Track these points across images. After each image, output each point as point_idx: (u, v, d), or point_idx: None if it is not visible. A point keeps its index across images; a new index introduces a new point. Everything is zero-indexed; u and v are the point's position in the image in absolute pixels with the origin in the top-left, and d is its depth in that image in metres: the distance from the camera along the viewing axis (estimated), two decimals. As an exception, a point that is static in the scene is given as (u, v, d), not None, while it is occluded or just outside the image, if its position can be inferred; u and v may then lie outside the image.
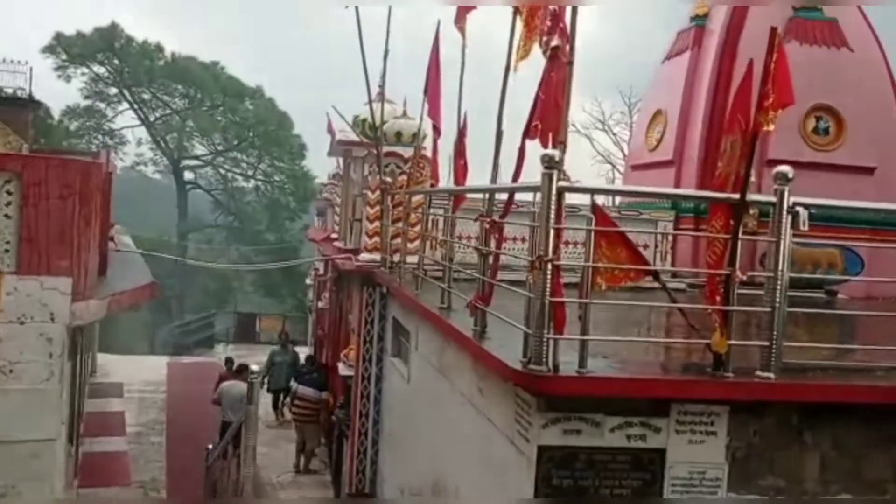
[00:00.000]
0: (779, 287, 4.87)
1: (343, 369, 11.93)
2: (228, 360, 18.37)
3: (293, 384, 14.94)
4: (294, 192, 48.09)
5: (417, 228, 9.93)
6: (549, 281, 4.75)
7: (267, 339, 32.64)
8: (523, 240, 10.48)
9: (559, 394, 4.83)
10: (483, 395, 6.11)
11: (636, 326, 7.73)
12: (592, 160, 35.35)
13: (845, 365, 5.54)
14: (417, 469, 8.39)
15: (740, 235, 4.80)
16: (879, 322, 9.20)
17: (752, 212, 4.54)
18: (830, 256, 11.74)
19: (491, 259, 6.13)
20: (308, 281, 25.33)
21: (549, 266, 4.74)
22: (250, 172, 49.64)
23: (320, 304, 19.37)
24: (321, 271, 20.60)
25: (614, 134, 35.57)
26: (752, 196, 4.76)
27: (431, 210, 10.24)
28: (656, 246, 11.98)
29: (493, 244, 6.09)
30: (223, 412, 15.07)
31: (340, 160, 17.18)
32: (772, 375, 4.88)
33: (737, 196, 4.74)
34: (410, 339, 9.26)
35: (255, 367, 11.89)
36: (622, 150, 33.18)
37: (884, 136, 13.13)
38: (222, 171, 50.04)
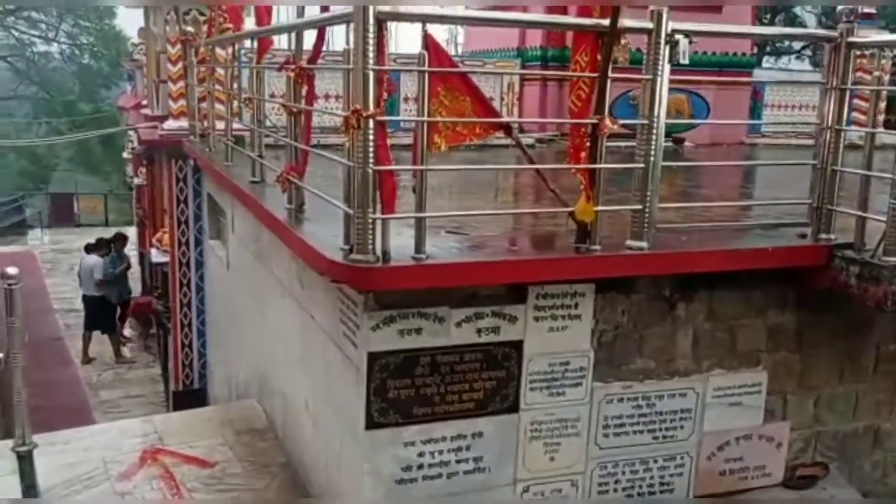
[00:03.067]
0: (654, 137, 3.95)
1: (156, 255, 10.39)
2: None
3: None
4: (106, 55, 42.91)
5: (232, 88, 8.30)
6: (371, 143, 3.57)
7: (88, 222, 29.69)
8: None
9: (392, 288, 3.78)
10: (304, 287, 4.99)
11: (484, 196, 6.73)
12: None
13: (721, 225, 4.83)
14: (243, 363, 7.30)
15: (610, 73, 3.79)
16: (732, 171, 8.79)
17: (623, 41, 3.46)
18: (678, 103, 11.18)
19: (303, 118, 4.83)
20: (125, 155, 22.69)
21: (371, 123, 3.55)
22: (51, 34, 43.65)
23: (137, 182, 17.22)
24: (135, 144, 18.26)
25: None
26: (626, 21, 3.71)
27: (237, 64, 8.57)
28: (502, 98, 10.97)
29: (302, 99, 4.76)
30: (83, 285, 14.08)
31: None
32: (645, 245, 4.04)
33: (606, 22, 3.68)
34: (226, 218, 7.89)
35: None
36: None
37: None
38: (16, 34, 43.68)
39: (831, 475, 5.05)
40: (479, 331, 4.11)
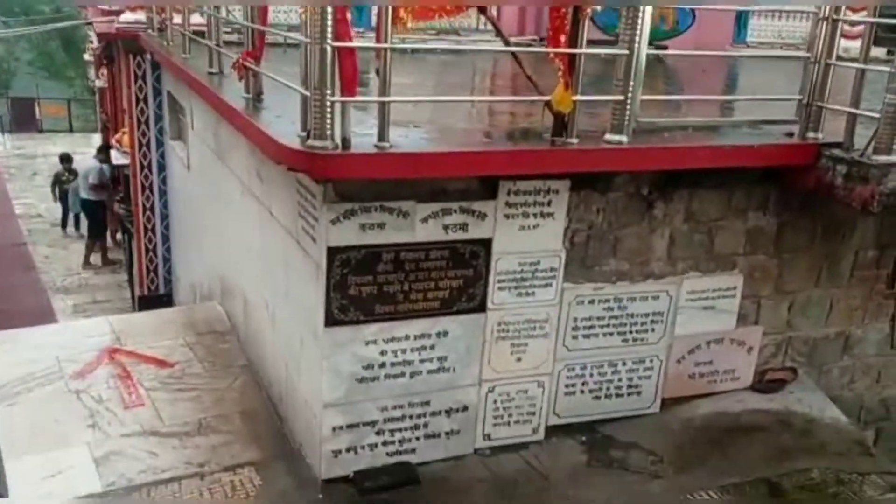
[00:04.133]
0: (640, 23, 3.66)
1: (117, 157, 9.97)
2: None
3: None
4: (65, -50, 40.61)
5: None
6: (328, 19, 3.25)
7: (51, 128, 28.71)
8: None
9: (351, 177, 3.53)
10: (263, 182, 4.72)
11: (455, 82, 6.41)
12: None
13: (704, 122, 4.61)
14: (206, 266, 7.08)
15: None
16: (716, 80, 8.52)
17: None
18: (663, 9, 10.77)
19: (260, -2, 4.45)
20: (86, 57, 21.68)
21: (329, -4, 3.22)
22: (7, -72, 41.13)
23: (98, 84, 16.48)
24: (95, 43, 17.42)
25: None
26: None
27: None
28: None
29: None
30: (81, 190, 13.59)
31: None
32: (625, 139, 3.81)
33: None
34: (186, 115, 7.50)
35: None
36: None
37: None
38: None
39: (800, 380, 5.01)
40: (445, 227, 3.90)
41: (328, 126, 3.36)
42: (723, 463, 4.27)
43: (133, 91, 9.35)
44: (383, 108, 3.45)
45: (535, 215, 4.05)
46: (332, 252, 3.71)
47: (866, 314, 5.18)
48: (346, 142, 3.44)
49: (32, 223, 16.32)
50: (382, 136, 3.47)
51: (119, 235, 14.05)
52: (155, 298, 10.00)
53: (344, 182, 3.64)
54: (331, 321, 3.83)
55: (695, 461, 4.29)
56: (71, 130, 28.31)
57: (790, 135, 4.34)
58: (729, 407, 4.79)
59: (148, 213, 9.82)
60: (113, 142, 10.22)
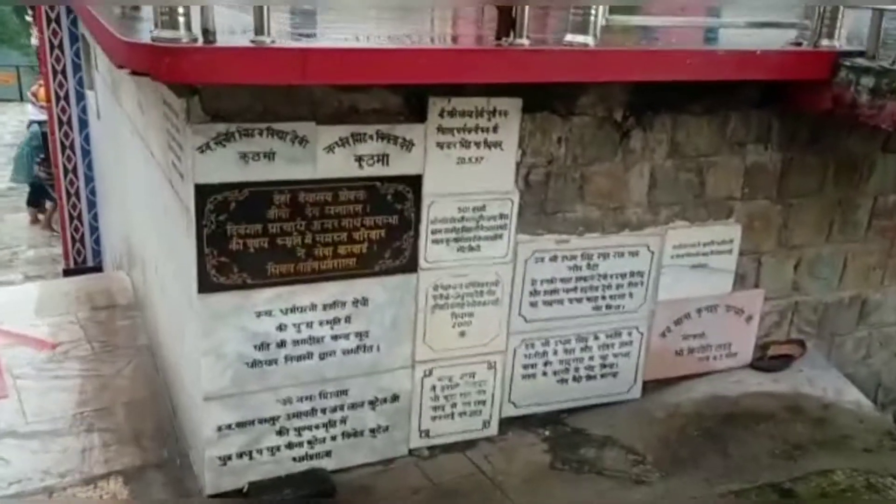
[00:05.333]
0: None
1: (34, 113, 8.87)
2: None
3: None
4: None
5: None
6: None
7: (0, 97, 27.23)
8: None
9: (212, 81, 2.56)
10: (143, 113, 3.75)
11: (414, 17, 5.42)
12: None
13: (693, 22, 3.69)
14: (117, 231, 6.11)
15: None
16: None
17: None
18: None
19: None
20: (28, 19, 20.31)
21: None
22: None
23: (34, 42, 15.23)
24: (34, 1, 16.12)
25: None
26: None
27: None
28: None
29: None
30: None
31: None
32: (590, 40, 2.87)
33: None
34: (91, 54, 6.49)
35: None
36: None
37: None
38: None
39: (809, 354, 4.15)
40: (359, 159, 2.95)
41: (181, 11, 2.40)
42: (721, 462, 3.39)
43: (46, 36, 8.27)
44: None
45: (477, 144, 3.12)
46: (202, 191, 2.76)
47: (886, 274, 4.32)
48: (208, 34, 2.47)
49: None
50: (261, 27, 2.51)
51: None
52: (82, 271, 8.99)
53: (214, 94, 2.69)
54: (207, 286, 2.88)
55: (686, 460, 3.41)
56: (21, 99, 26.85)
57: (798, 44, 3.44)
58: (726, 389, 3.92)
59: (70, 175, 8.73)
60: (28, 95, 9.11)
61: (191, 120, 2.69)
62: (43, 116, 8.73)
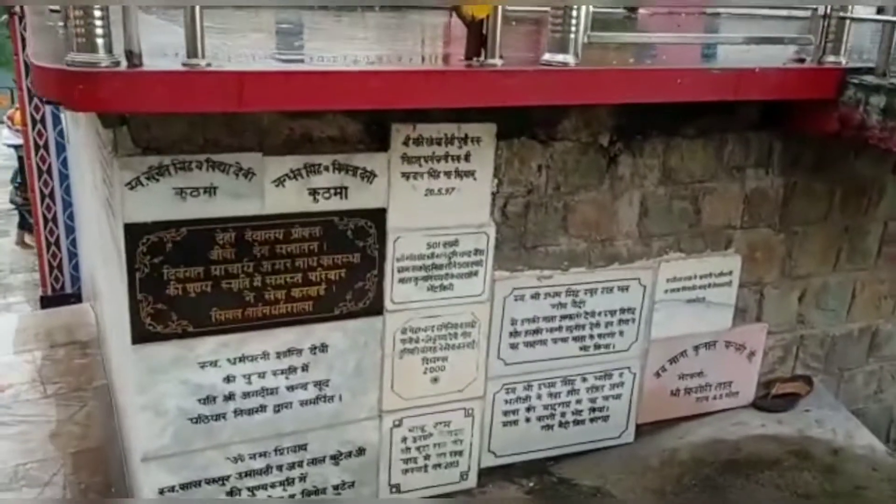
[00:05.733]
0: None
1: (9, 136, 8.60)
2: None
3: None
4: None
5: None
6: None
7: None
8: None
9: (143, 111, 2.27)
10: (92, 141, 3.46)
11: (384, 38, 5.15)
12: None
13: (686, 38, 3.40)
14: (88, 260, 5.81)
15: None
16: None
17: None
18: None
19: None
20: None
21: None
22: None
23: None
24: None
25: None
26: None
27: None
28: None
29: None
30: None
31: None
32: (571, 59, 2.58)
33: None
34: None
35: None
36: None
37: None
38: None
39: (816, 392, 3.83)
40: (313, 192, 2.65)
41: (99, 33, 2.10)
42: (722, 519, 3.08)
43: (22, 58, 8.01)
44: (192, 9, 2.19)
45: (447, 174, 2.82)
46: (133, 231, 2.45)
47: (897, 303, 4.02)
48: (132, 56, 2.17)
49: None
50: (194, 48, 2.21)
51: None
52: (60, 298, 8.67)
53: (144, 124, 2.39)
54: (141, 335, 2.57)
55: (682, 516, 3.10)
56: (15, 121, 26.69)
57: (801, 60, 3.15)
58: (726, 433, 3.60)
59: (48, 200, 8.44)
60: (4, 119, 8.85)
61: (118, 153, 2.39)
62: (19, 140, 8.45)
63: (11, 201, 9.85)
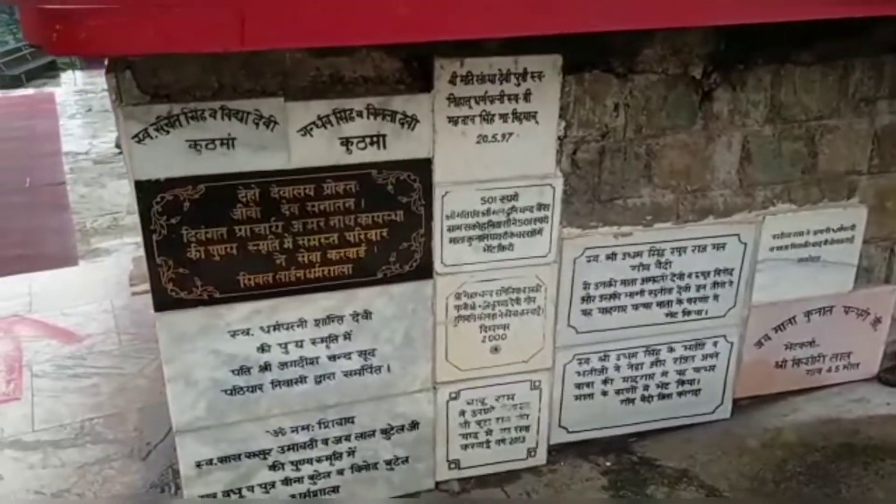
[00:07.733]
0: None
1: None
2: None
3: None
4: None
5: None
6: None
7: (119, 61, 28.12)
8: None
9: (128, 53, 1.99)
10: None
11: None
12: None
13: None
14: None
15: None
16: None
17: None
18: None
19: None
20: None
21: None
22: None
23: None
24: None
25: None
26: None
27: None
28: None
29: None
30: None
31: None
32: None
33: None
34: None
35: None
36: None
37: None
38: None
39: (957, 366, 3.25)
40: (346, 142, 2.32)
41: (83, -37, 1.82)
42: (832, 519, 2.64)
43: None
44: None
45: (503, 117, 2.42)
46: (145, 189, 2.21)
47: None
48: (120, -8, 1.89)
49: (78, 160, 15.58)
50: (193, -21, 1.90)
51: None
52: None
53: (151, 67, 2.12)
54: (164, 303, 2.37)
55: (783, 513, 2.67)
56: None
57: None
58: (842, 411, 3.10)
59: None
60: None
61: (122, 102, 2.14)
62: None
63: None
